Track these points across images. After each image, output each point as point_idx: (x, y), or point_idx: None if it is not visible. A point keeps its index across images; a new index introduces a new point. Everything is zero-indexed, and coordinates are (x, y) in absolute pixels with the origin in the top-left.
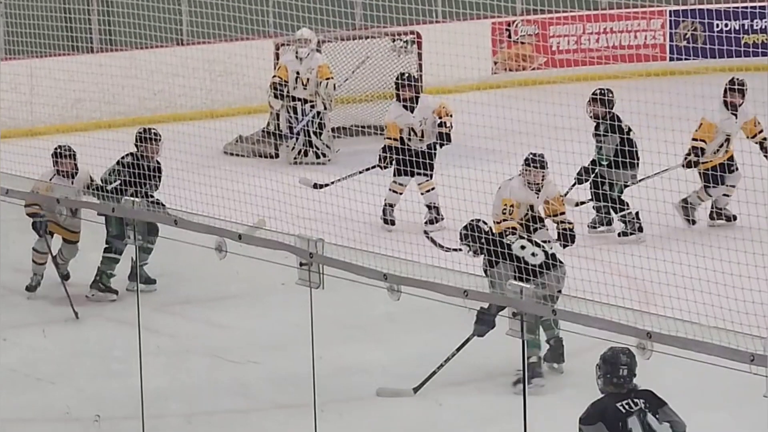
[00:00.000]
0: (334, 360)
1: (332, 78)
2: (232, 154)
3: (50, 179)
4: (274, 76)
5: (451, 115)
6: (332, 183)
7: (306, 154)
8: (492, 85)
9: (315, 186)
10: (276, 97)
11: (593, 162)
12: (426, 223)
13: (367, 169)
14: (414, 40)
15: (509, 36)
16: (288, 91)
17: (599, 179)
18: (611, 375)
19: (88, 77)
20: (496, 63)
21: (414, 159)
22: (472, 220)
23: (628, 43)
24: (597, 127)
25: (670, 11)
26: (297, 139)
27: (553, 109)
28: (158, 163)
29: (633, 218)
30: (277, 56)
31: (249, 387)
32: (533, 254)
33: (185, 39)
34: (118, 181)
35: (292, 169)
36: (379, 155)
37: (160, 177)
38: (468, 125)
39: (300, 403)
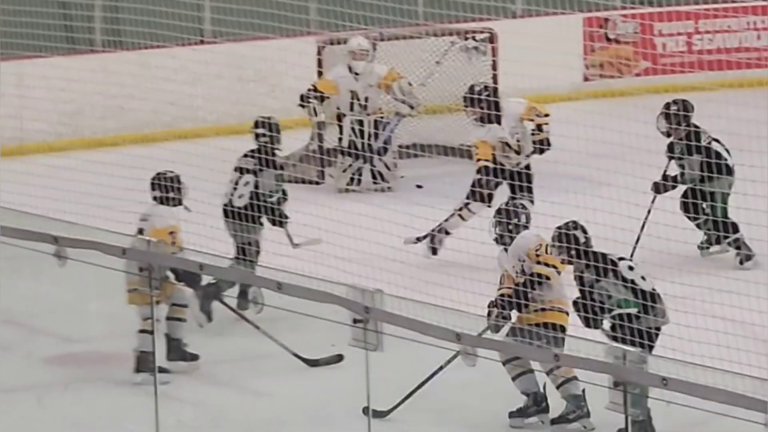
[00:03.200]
0: None
1: (403, 78)
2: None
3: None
4: (312, 89)
5: (547, 114)
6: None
7: (359, 182)
8: (584, 95)
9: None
10: (313, 113)
11: (674, 179)
12: None
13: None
14: (488, 40)
15: (606, 36)
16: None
17: (689, 197)
18: None
19: (89, 83)
20: (588, 68)
21: (510, 181)
22: (569, 223)
23: (750, 45)
24: (670, 147)
25: None
26: (353, 160)
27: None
28: None
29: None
30: (320, 62)
31: None
32: (643, 278)
33: (208, 38)
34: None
35: (339, 200)
36: (475, 183)
37: None
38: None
39: None
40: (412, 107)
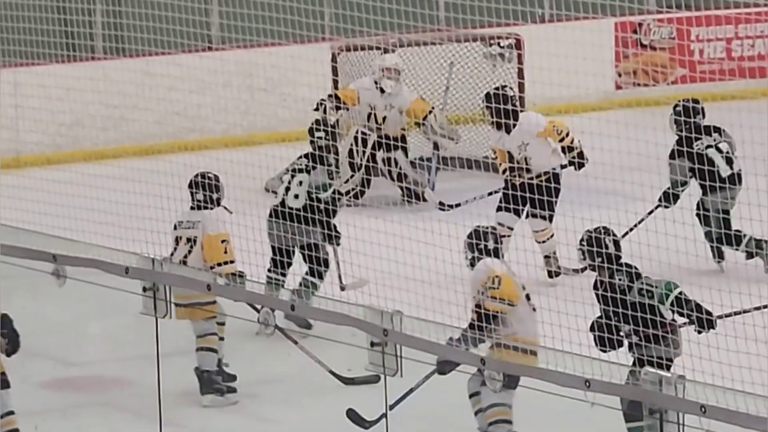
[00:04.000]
0: None
1: (433, 109)
2: (276, 193)
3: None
4: (331, 96)
5: (567, 134)
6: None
7: (358, 196)
8: (616, 104)
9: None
10: (323, 113)
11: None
12: (550, 275)
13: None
14: (513, 46)
15: (639, 41)
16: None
17: (701, 207)
18: None
19: (89, 92)
20: (620, 75)
21: (525, 195)
22: (597, 228)
23: None
24: None
25: None
26: (354, 173)
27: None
28: None
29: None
30: (335, 70)
31: None
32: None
33: (215, 44)
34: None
35: (355, 215)
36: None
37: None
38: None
39: None
40: (454, 140)
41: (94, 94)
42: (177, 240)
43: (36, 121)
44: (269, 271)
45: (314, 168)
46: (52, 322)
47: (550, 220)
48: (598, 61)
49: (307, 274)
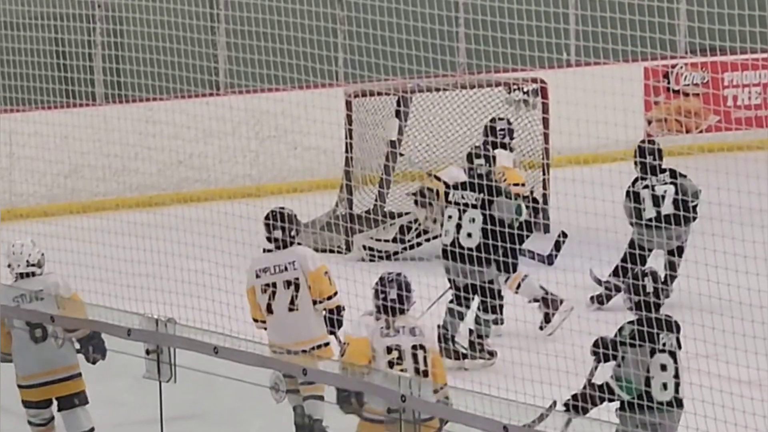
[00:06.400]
0: None
1: None
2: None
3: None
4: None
5: (516, 184)
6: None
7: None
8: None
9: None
10: (421, 204)
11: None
12: (540, 327)
13: None
14: (538, 93)
15: (669, 87)
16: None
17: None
18: None
19: (87, 141)
20: (650, 123)
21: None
22: (645, 270)
23: None
24: None
25: None
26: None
27: (728, 196)
28: None
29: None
30: (350, 119)
31: None
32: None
33: (222, 90)
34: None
35: (366, 272)
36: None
37: None
38: (602, 216)
39: None
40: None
41: (93, 143)
42: (268, 288)
43: (31, 171)
44: (452, 302)
45: (490, 201)
46: None
47: (512, 269)
48: (629, 111)
49: (479, 310)
